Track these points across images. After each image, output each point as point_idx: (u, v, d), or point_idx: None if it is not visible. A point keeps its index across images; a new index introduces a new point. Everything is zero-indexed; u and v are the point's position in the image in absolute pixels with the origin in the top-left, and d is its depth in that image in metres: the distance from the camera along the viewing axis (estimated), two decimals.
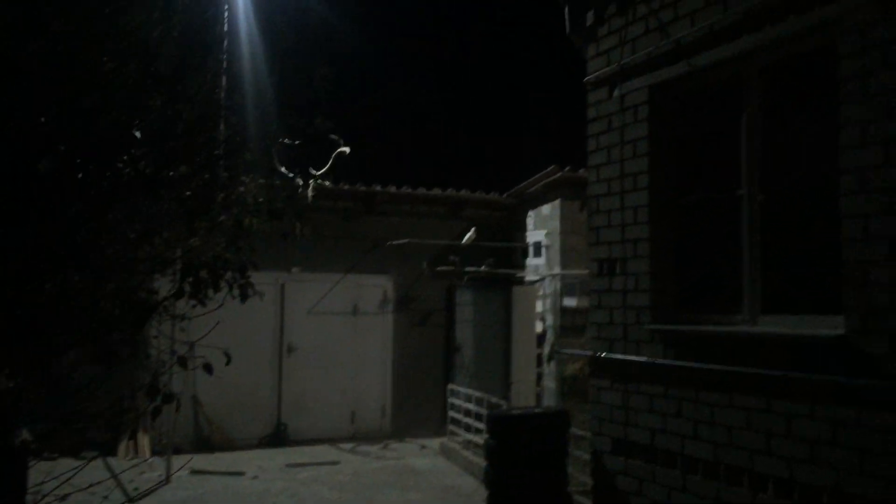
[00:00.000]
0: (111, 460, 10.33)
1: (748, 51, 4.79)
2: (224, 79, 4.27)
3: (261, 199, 4.57)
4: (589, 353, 5.97)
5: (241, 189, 4.52)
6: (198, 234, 4.16)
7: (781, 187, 4.75)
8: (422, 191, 13.41)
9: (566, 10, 6.32)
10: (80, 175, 3.54)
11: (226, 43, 4.27)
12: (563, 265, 11.64)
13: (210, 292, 3.97)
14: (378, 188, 13.08)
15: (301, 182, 5.67)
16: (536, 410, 8.53)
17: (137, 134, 3.74)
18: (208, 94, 4.14)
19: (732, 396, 4.74)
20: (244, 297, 4.12)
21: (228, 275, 4.09)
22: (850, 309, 4.10)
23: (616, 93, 5.77)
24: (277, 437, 12.36)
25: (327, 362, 12.82)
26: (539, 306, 12.20)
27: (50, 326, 3.59)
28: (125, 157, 3.67)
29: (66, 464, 4.23)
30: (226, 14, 4.70)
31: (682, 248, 5.44)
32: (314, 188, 10.23)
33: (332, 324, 12.92)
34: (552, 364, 11.54)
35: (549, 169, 11.88)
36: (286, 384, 12.62)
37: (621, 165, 5.69)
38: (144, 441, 11.02)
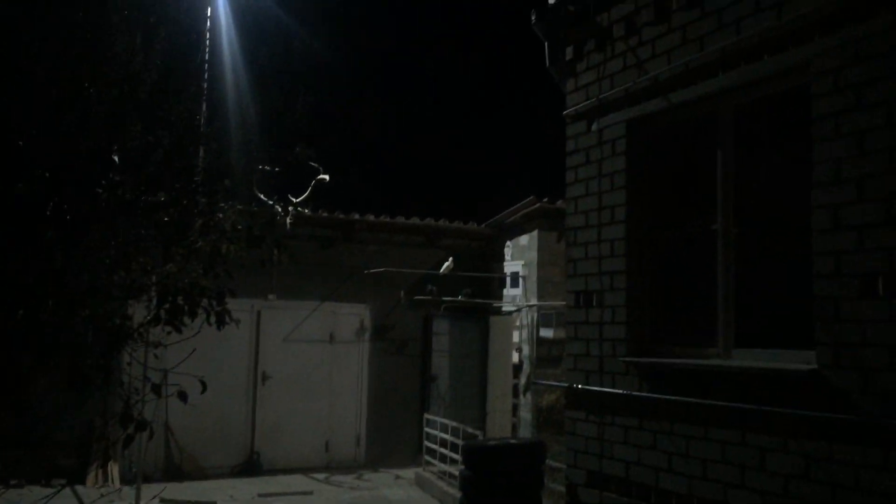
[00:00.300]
0: (80, 489, 10.14)
1: (723, 89, 4.87)
2: (204, 105, 4.29)
3: (239, 226, 4.56)
4: (565, 384, 5.98)
5: (220, 215, 4.51)
6: (174, 260, 4.14)
7: (755, 223, 4.82)
8: (400, 219, 13.44)
9: (546, 45, 6.41)
10: (57, 199, 3.52)
11: (207, 69, 4.29)
12: (541, 296, 11.69)
13: (186, 319, 3.94)
14: (356, 216, 13.10)
15: (280, 209, 5.68)
16: (512, 442, 8.50)
17: (116, 158, 3.74)
18: (188, 119, 4.15)
19: (707, 429, 4.76)
20: (221, 325, 4.10)
21: (205, 301, 4.07)
22: (822, 344, 4.15)
23: (594, 126, 5.84)
24: (250, 466, 12.21)
25: (302, 391, 12.73)
26: (516, 337, 12.22)
27: (21, 352, 3.55)
28: (103, 182, 3.67)
29: (36, 492, 4.16)
30: (207, 41, 4.73)
31: (658, 280, 5.49)
32: (293, 215, 10.24)
33: (307, 352, 12.84)
34: (528, 395, 11.53)
35: (527, 200, 11.97)
36: (260, 412, 12.49)
37: (599, 198, 5.75)
38: (114, 469, 10.84)
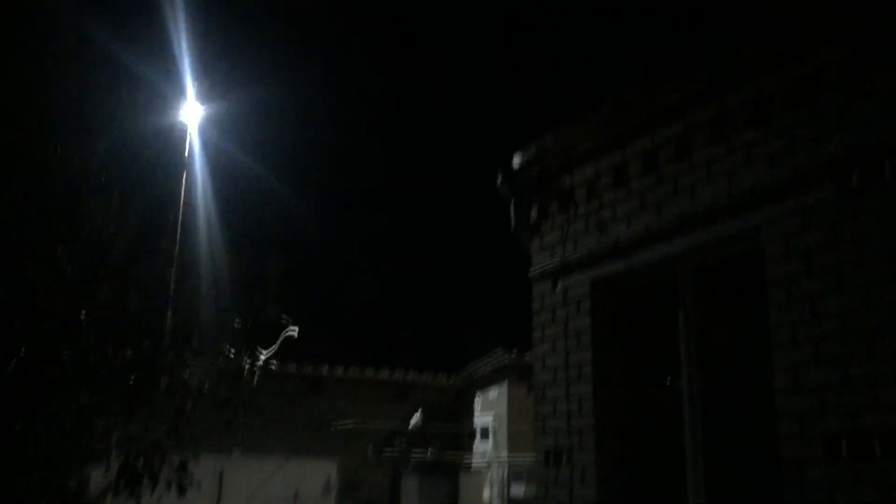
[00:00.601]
0: None
1: (682, 252, 5.05)
2: (175, 268, 4.35)
3: (206, 387, 4.53)
4: None
5: (186, 374, 4.49)
6: (137, 421, 4.08)
7: (719, 383, 4.88)
8: (370, 372, 13.34)
9: (511, 205, 6.64)
10: (20, 360, 3.50)
11: (180, 231, 4.39)
12: (511, 449, 11.49)
13: (147, 490, 3.84)
14: (325, 370, 12.98)
15: (248, 363, 5.64)
16: None
17: (83, 319, 3.75)
18: (158, 281, 4.20)
19: None
20: (182, 492, 3.98)
21: (166, 466, 3.98)
22: None
23: (559, 286, 5.98)
24: None
25: None
26: (486, 494, 11.90)
27: None
28: (69, 346, 3.66)
29: None
30: (182, 204, 4.85)
31: (628, 439, 5.46)
32: (260, 370, 10.11)
33: None
34: None
35: (495, 352, 12.00)
36: None
37: (566, 356, 5.80)
38: None
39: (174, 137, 5.08)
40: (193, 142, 6.86)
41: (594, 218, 5.79)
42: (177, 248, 4.42)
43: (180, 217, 4.55)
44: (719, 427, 4.85)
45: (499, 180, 6.69)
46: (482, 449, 12.34)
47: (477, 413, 12.83)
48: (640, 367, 5.49)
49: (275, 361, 11.06)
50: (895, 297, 3.89)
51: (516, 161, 6.61)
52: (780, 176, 4.46)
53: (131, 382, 4.02)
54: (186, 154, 5.08)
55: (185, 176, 5.07)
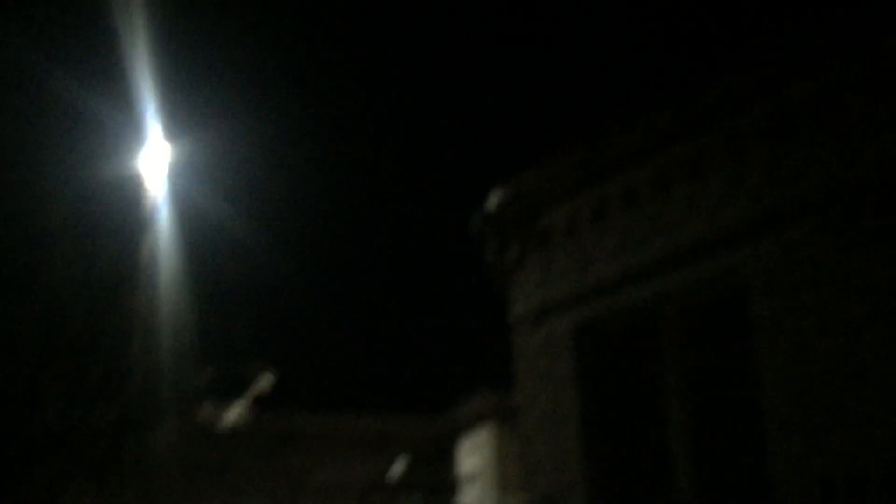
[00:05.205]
0: None
1: (667, 291, 4.95)
2: (140, 327, 4.17)
3: (179, 452, 4.35)
4: None
5: (154, 441, 4.30)
6: (107, 492, 3.91)
7: (709, 424, 4.75)
8: (349, 420, 13.02)
9: (487, 247, 6.49)
10: None
11: (145, 295, 4.22)
12: (501, 493, 11.25)
13: None
14: (301, 421, 12.60)
15: (221, 419, 5.46)
16: None
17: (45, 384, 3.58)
18: (123, 343, 4.03)
19: None
20: None
21: None
22: None
23: (542, 330, 5.83)
24: None
25: None
26: None
27: None
28: (35, 417, 3.51)
29: None
30: (153, 257, 4.70)
31: (619, 483, 5.29)
32: (234, 424, 9.83)
33: None
34: None
35: (480, 393, 11.77)
36: None
37: (552, 402, 5.63)
38: None
39: (138, 186, 4.93)
40: (158, 189, 6.69)
41: (575, 257, 5.67)
42: (141, 305, 4.25)
43: (145, 272, 4.39)
44: (711, 468, 4.71)
45: (474, 222, 6.56)
46: (471, 494, 12.08)
47: (463, 457, 12.58)
48: (629, 410, 5.34)
49: (248, 415, 10.80)
50: (882, 335, 3.82)
51: (492, 202, 6.49)
52: (761, 212, 4.40)
53: (99, 450, 3.83)
54: (150, 204, 4.92)
55: (149, 228, 4.91)
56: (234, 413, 8.12)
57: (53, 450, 3.55)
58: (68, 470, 3.71)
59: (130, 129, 4.88)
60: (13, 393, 3.45)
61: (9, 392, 3.44)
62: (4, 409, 3.43)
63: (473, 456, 12.13)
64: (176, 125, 5.93)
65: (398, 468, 12.39)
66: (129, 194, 4.63)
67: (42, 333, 3.26)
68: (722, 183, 4.62)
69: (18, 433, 3.50)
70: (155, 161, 5.63)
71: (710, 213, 4.70)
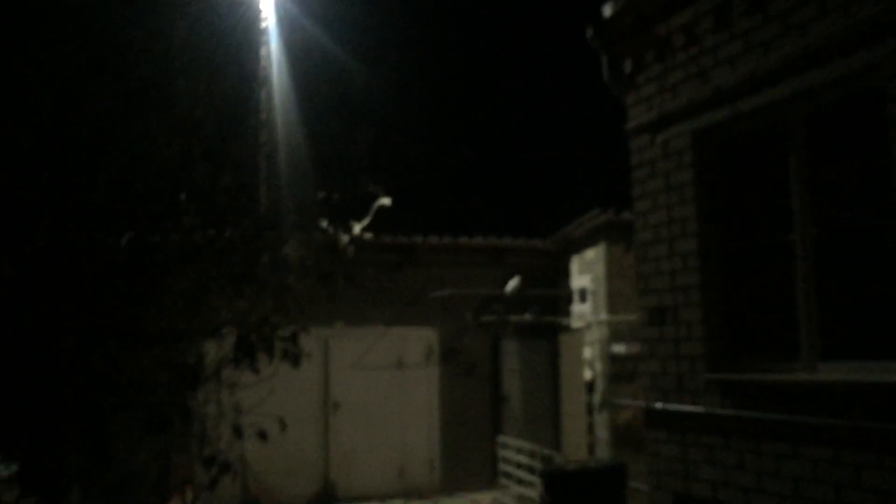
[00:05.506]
0: None
1: (792, 96, 4.70)
2: (264, 146, 4.33)
3: (309, 263, 4.58)
4: (643, 403, 5.82)
5: (285, 252, 4.54)
6: (244, 298, 4.17)
7: (834, 231, 4.62)
8: (463, 239, 13.37)
9: (604, 58, 6.30)
10: (131, 247, 3.58)
11: (266, 115, 4.33)
12: (610, 310, 11.48)
13: (262, 360, 3.96)
14: (419, 239, 13.08)
15: (344, 237, 5.69)
16: (592, 465, 8.33)
17: (183, 199, 3.79)
18: (249, 161, 4.20)
19: (797, 447, 4.56)
20: (296, 363, 4.09)
21: (278, 340, 4.08)
22: None
23: (659, 139, 5.71)
24: (326, 495, 12.25)
25: (373, 417, 12.73)
26: (587, 353, 12.02)
27: (98, 396, 3.60)
28: (175, 228, 3.73)
29: None
30: (268, 79, 4.77)
31: (735, 293, 5.31)
32: (356, 242, 10.25)
33: (376, 378, 12.84)
34: (604, 413, 11.32)
35: (592, 212, 11.78)
36: (333, 441, 12.53)
37: (668, 212, 5.60)
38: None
39: (249, 12, 4.94)
40: (269, 15, 6.71)
41: (694, 65, 5.44)
42: (264, 126, 4.38)
43: (265, 93, 4.48)
44: (834, 280, 4.63)
45: (589, 32, 6.34)
46: (580, 311, 12.37)
47: (574, 275, 12.80)
48: (748, 221, 5.25)
49: (370, 233, 11.22)
50: None
51: (607, 10, 6.23)
52: None
53: (235, 260, 4.08)
54: (263, 27, 4.97)
55: (264, 51, 4.97)
56: (359, 229, 8.42)
57: (193, 261, 3.77)
58: (207, 280, 3.94)
59: None
60: (156, 206, 3.65)
61: (151, 205, 3.63)
62: (149, 221, 3.64)
63: (585, 273, 12.32)
64: None
65: (512, 284, 12.73)
66: (243, 18, 4.65)
67: (178, 147, 3.42)
68: None
69: (161, 244, 3.72)
70: None
71: (845, 8, 4.34)
